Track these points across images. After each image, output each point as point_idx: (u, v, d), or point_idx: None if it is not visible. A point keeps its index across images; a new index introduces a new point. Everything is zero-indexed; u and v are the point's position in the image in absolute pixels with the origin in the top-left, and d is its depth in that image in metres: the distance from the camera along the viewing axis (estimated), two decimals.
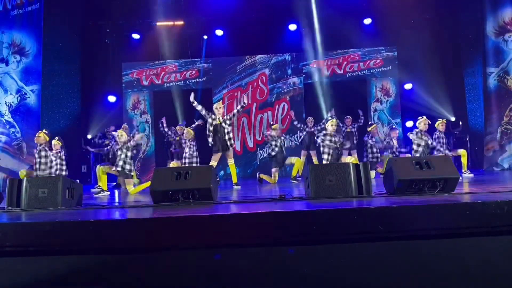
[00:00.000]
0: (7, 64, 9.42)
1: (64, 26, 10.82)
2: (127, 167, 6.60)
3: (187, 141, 7.46)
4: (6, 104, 9.29)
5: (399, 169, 3.66)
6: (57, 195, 3.76)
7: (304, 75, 11.94)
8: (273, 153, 7.88)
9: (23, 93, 9.45)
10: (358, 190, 3.69)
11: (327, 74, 11.82)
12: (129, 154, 6.63)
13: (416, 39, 11.06)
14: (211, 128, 6.97)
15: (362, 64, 11.86)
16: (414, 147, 7.08)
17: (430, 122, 7.21)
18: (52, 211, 3.61)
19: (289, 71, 11.99)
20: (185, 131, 7.63)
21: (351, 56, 11.90)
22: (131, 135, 7.28)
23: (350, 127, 9.28)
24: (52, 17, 10.15)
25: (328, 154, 7.01)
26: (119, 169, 6.59)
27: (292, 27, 11.79)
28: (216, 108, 7.08)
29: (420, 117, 7.16)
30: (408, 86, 11.67)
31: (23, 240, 2.67)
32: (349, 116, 9.51)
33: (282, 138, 8.22)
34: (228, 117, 7.07)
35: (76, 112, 11.42)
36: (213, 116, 7.01)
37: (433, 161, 3.73)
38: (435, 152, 7.31)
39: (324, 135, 7.07)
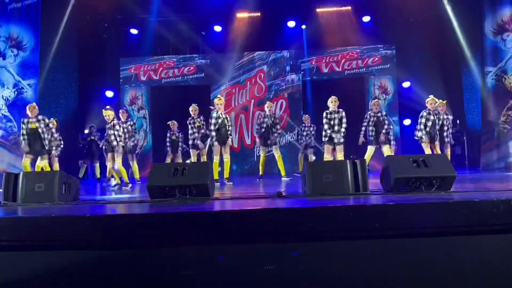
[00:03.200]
0: (4, 58, 9.36)
1: (62, 21, 10.75)
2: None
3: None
4: (3, 98, 9.25)
5: (396, 167, 3.66)
6: (53, 189, 3.75)
7: (302, 72, 11.93)
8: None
9: (20, 87, 9.40)
10: (355, 187, 3.69)
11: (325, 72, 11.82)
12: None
13: (414, 37, 11.06)
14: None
15: (360, 62, 11.85)
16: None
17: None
18: (48, 205, 3.60)
19: (288, 68, 11.98)
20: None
21: (350, 53, 11.90)
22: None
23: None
24: (50, 11, 10.09)
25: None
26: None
27: (291, 24, 11.77)
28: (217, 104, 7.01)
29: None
30: (406, 84, 11.68)
31: (19, 235, 2.67)
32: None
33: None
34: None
35: (74, 107, 11.38)
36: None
37: (430, 159, 3.73)
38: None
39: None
